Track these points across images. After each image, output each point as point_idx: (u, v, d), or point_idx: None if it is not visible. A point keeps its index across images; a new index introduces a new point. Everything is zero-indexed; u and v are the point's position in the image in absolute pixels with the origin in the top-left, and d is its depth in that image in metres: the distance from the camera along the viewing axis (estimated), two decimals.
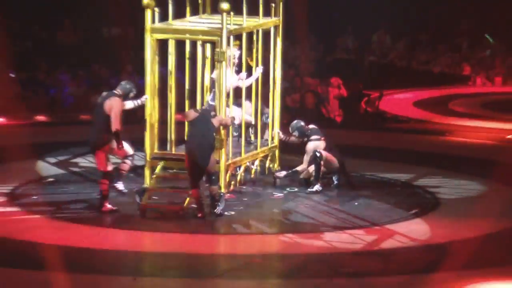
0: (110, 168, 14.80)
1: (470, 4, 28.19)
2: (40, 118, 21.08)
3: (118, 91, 14.76)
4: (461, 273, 12.38)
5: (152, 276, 12.50)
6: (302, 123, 16.08)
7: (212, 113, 14.63)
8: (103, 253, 13.14)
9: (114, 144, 14.72)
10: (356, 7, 27.07)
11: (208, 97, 15.41)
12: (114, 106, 14.57)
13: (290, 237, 13.88)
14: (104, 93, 14.88)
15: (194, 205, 14.59)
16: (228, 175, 15.16)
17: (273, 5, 15.89)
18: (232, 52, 15.12)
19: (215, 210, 14.57)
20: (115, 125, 14.54)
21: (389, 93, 24.62)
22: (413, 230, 14.21)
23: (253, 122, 16.02)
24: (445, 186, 16.41)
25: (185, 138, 15.22)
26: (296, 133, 16.06)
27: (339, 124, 21.69)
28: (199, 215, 14.48)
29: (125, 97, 14.78)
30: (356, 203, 15.42)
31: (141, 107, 15.18)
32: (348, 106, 22.79)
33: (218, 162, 14.85)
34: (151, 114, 15.11)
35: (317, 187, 15.80)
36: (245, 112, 15.71)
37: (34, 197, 15.44)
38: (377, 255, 13.20)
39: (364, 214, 14.86)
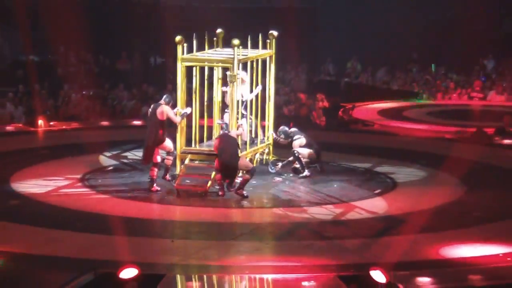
0: (158, 159, 14.60)
1: (419, 40, 27.95)
2: (104, 123, 20.93)
3: (162, 101, 14.62)
4: (413, 237, 12.24)
5: (184, 238, 12.38)
6: (286, 128, 15.93)
7: (224, 126, 14.53)
8: (149, 221, 13.05)
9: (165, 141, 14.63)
10: (335, 42, 26.93)
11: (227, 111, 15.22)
12: (165, 111, 14.47)
13: (282, 210, 13.72)
14: (153, 105, 14.75)
15: (216, 187, 14.42)
16: None
17: (268, 41, 15.73)
18: (242, 74, 15.03)
19: (238, 191, 14.32)
20: (176, 120, 14.63)
21: (359, 105, 24.43)
22: (377, 205, 14.06)
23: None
24: (400, 173, 16.19)
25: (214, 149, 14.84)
26: (282, 136, 15.90)
27: (323, 127, 21.48)
28: (220, 193, 14.28)
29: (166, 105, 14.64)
30: (335, 185, 15.22)
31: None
32: (330, 114, 22.63)
33: (251, 161, 14.96)
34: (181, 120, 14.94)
35: (306, 173, 15.61)
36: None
37: (99, 180, 15.30)
38: (348, 224, 13.04)
39: (339, 193, 14.67)
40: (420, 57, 28.63)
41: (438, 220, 13.13)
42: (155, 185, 14.52)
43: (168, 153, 14.92)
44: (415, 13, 27.56)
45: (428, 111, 24.41)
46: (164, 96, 14.80)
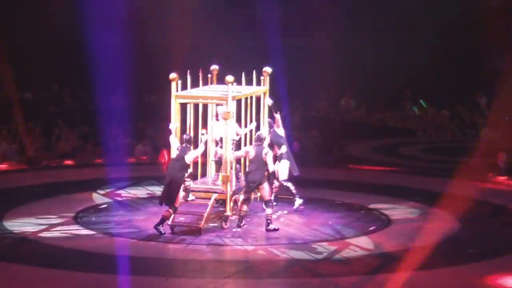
0: (177, 204, 14.34)
1: (412, 78, 28.03)
2: (98, 161, 20.92)
3: (187, 144, 14.48)
4: (408, 274, 12.21)
5: (179, 277, 12.32)
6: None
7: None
8: (143, 259, 12.95)
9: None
10: (329, 79, 27.00)
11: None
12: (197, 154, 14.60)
13: (277, 248, 13.68)
14: (180, 146, 14.50)
15: (211, 223, 14.42)
16: (232, 202, 14.93)
17: (263, 78, 15.79)
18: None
19: (267, 228, 14.53)
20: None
21: (354, 141, 24.51)
22: (371, 242, 14.04)
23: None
24: (395, 209, 16.23)
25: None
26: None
27: (317, 164, 21.42)
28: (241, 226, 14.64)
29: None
30: (329, 222, 15.22)
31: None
32: (324, 150, 22.66)
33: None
34: None
35: (298, 200, 15.66)
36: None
37: (93, 219, 15.27)
38: (343, 261, 13.02)
39: (334, 230, 14.67)
40: (413, 94, 28.76)
41: (433, 257, 13.11)
42: (161, 226, 14.19)
43: (174, 207, 14.34)
44: (407, 49, 27.71)
45: (422, 147, 24.47)
46: (185, 137, 14.53)
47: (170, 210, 14.25)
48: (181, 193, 14.43)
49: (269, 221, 14.53)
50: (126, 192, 17.23)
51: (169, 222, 14.37)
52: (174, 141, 14.67)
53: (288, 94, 25.09)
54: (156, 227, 14.22)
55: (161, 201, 14.38)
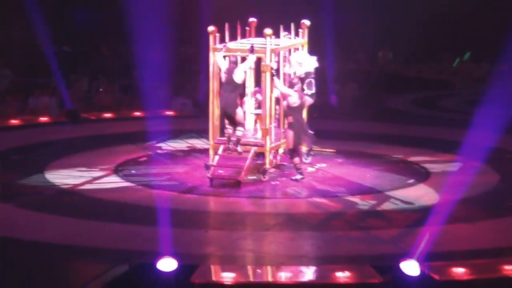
0: (240, 121, 14.56)
1: (450, 29, 27.66)
2: (136, 113, 20.92)
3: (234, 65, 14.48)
4: (447, 227, 12.15)
5: (218, 229, 12.37)
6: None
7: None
8: (182, 212, 12.99)
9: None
10: (367, 31, 26.72)
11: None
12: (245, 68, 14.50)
13: (317, 200, 13.66)
14: (227, 68, 14.48)
15: (250, 176, 14.44)
16: (271, 154, 14.89)
17: (301, 30, 15.60)
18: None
19: (294, 178, 14.52)
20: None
21: (392, 94, 24.30)
22: (410, 195, 13.98)
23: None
24: (433, 162, 16.10)
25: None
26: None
27: (355, 117, 21.25)
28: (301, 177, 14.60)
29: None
30: (368, 175, 15.15)
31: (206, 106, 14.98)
32: (363, 103, 22.48)
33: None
34: (213, 110, 14.88)
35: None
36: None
37: (133, 171, 15.33)
38: (382, 214, 12.99)
39: (373, 183, 14.61)
40: (452, 46, 28.39)
41: (472, 210, 13.04)
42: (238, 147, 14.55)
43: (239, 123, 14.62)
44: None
45: (463, 99, 24.21)
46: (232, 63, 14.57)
47: (233, 129, 14.47)
48: (240, 111, 14.48)
49: (299, 171, 14.44)
50: (166, 144, 17.26)
51: (209, 174, 14.40)
52: (222, 61, 14.57)
53: (330, 45, 24.92)
54: (230, 147, 14.50)
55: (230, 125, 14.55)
